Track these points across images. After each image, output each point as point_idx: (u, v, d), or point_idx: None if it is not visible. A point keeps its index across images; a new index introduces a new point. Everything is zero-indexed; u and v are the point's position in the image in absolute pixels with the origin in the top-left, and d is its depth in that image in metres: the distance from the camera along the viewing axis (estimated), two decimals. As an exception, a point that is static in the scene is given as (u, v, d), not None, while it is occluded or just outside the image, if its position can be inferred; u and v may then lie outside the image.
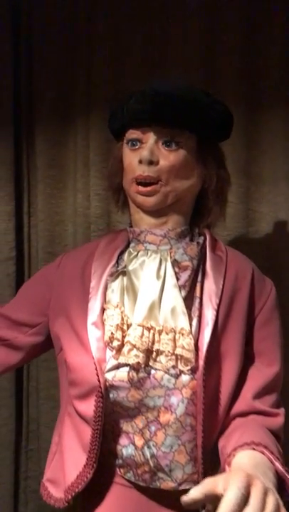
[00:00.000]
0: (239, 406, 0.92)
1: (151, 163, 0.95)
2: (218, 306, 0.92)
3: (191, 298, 0.94)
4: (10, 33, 1.57)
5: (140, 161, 0.95)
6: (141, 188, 0.96)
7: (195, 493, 0.62)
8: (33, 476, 1.66)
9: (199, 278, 0.96)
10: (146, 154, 0.94)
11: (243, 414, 0.91)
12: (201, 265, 0.98)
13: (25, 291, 1.09)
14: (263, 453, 0.76)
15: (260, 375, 0.94)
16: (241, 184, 1.55)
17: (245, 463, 0.72)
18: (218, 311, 0.92)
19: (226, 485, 0.61)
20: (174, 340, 0.89)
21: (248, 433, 0.83)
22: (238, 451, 0.77)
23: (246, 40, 1.52)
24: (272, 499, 0.61)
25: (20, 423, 1.66)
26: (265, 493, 0.61)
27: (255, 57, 1.53)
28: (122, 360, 0.88)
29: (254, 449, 0.76)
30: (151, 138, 0.96)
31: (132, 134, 0.98)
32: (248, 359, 0.96)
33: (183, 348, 0.87)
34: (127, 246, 1.03)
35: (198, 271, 0.97)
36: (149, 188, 0.96)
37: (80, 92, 1.58)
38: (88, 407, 0.90)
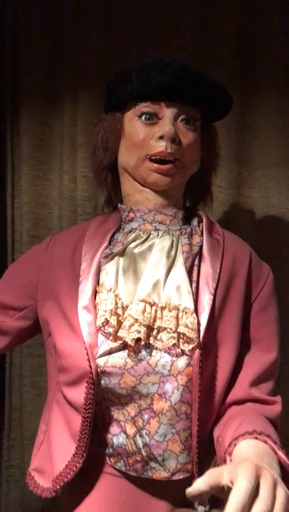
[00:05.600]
0: (235, 393, 0.89)
1: (174, 140, 0.91)
2: (215, 290, 0.89)
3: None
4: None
5: (162, 137, 0.90)
6: (160, 166, 0.91)
7: (200, 484, 0.59)
8: (15, 464, 1.62)
9: (196, 261, 0.93)
10: (171, 130, 0.90)
11: (240, 402, 0.89)
12: (198, 249, 0.95)
13: (12, 273, 1.04)
14: (265, 442, 0.73)
15: (257, 362, 0.91)
16: (233, 169, 1.52)
17: (248, 452, 0.70)
18: (215, 296, 0.89)
19: (233, 476, 0.59)
20: (177, 318, 0.85)
21: (247, 421, 0.80)
22: (240, 440, 0.74)
23: (241, 25, 1.49)
24: (281, 491, 0.58)
25: (2, 412, 1.61)
26: (274, 485, 0.59)
27: (249, 42, 1.50)
28: (122, 334, 0.84)
29: (257, 438, 0.74)
30: (170, 113, 0.92)
31: (147, 107, 0.92)
32: (244, 345, 0.93)
33: (186, 326, 0.84)
34: (120, 227, 0.98)
35: (196, 255, 0.94)
36: (168, 166, 0.92)
37: (67, 71, 1.51)
38: (78, 394, 0.87)
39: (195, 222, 1.00)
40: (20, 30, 1.53)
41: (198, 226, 0.99)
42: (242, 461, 0.61)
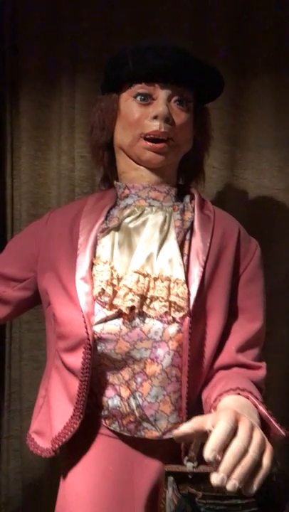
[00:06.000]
0: (223, 359, 0.95)
1: (167, 120, 0.95)
2: (205, 263, 0.94)
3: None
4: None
5: (155, 117, 0.95)
6: (154, 145, 0.96)
7: (185, 427, 0.65)
8: (15, 435, 1.68)
9: (187, 236, 0.98)
10: (165, 110, 0.94)
11: (227, 367, 0.95)
12: (190, 224, 1.00)
13: (13, 246, 1.10)
14: (247, 398, 0.79)
15: (243, 330, 0.97)
16: (226, 150, 1.56)
17: (231, 404, 0.76)
18: (204, 268, 0.94)
19: (215, 422, 0.64)
20: (169, 288, 0.91)
21: (232, 381, 0.86)
22: (224, 396, 0.80)
23: (235, 8, 1.52)
24: (258, 433, 0.65)
25: (3, 385, 1.67)
26: (251, 428, 0.64)
27: (243, 25, 1.53)
28: (116, 303, 0.90)
29: (239, 394, 0.80)
30: (164, 94, 0.96)
31: (142, 88, 0.97)
32: (232, 315, 0.99)
33: (177, 295, 0.90)
34: (115, 203, 1.03)
35: (187, 230, 0.99)
36: (161, 145, 0.97)
37: (65, 52, 1.54)
38: (76, 359, 0.92)
39: (187, 199, 1.05)
40: (18, 13, 1.55)
41: (191, 203, 1.04)
42: (224, 409, 0.67)
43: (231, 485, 0.60)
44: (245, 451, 0.62)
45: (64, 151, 1.56)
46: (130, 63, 0.96)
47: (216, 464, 0.61)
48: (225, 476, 0.60)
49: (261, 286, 1.02)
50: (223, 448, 0.62)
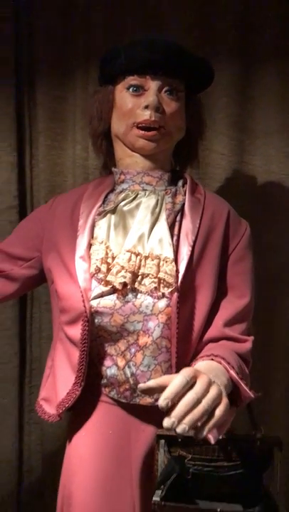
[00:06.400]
0: (211, 332, 1.02)
1: (157, 109, 1.02)
2: (194, 242, 1.01)
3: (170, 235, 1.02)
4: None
5: (146, 107, 1.02)
6: (146, 133, 1.03)
7: (150, 382, 0.73)
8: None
9: (178, 218, 1.05)
10: (155, 100, 1.01)
11: (215, 340, 1.01)
12: (181, 207, 1.06)
13: (21, 229, 1.19)
14: (220, 363, 0.86)
15: (231, 305, 1.04)
16: (234, 137, 1.61)
17: (200, 367, 0.83)
18: (193, 247, 1.01)
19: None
20: (158, 266, 0.98)
21: (211, 350, 0.93)
22: (199, 361, 0.87)
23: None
24: (214, 388, 0.71)
25: (24, 361, 1.78)
26: (208, 384, 0.71)
27: (250, 13, 1.56)
28: (110, 279, 0.97)
29: (212, 359, 0.86)
30: (154, 85, 1.03)
31: (134, 80, 1.04)
32: (221, 292, 1.05)
33: (166, 273, 0.97)
34: (113, 188, 1.11)
35: (178, 212, 1.05)
36: (152, 133, 1.04)
37: (79, 47, 1.62)
38: (76, 331, 1.01)
39: (180, 183, 1.11)
40: (34, 11, 1.63)
41: (183, 187, 1.10)
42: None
43: (181, 428, 0.68)
44: (198, 402, 0.69)
45: (78, 141, 1.64)
46: (123, 57, 1.03)
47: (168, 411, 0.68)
48: (176, 421, 0.68)
49: (250, 265, 1.07)
50: (177, 398, 0.69)
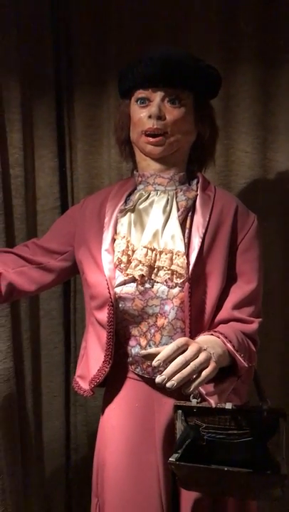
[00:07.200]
0: (221, 314, 1.14)
1: (159, 117, 1.15)
2: (204, 234, 1.13)
3: (182, 229, 1.15)
4: (49, 10, 1.77)
5: (150, 116, 1.15)
6: (151, 139, 1.17)
7: (151, 349, 0.87)
8: (80, 392, 1.96)
9: (190, 213, 1.17)
10: (156, 110, 1.14)
11: (224, 321, 1.13)
12: (192, 203, 1.18)
13: (56, 226, 1.36)
14: (218, 337, 0.98)
15: (240, 290, 1.15)
16: (258, 135, 1.70)
17: (198, 339, 0.95)
18: (203, 239, 1.13)
19: None
20: (171, 259, 1.11)
21: (217, 329, 1.05)
22: (200, 336, 0.99)
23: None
24: (204, 354, 0.84)
25: (69, 348, 1.95)
26: (198, 350, 0.84)
27: (272, 15, 1.64)
28: (129, 272, 1.12)
29: (212, 334, 0.99)
30: (158, 96, 1.16)
31: (141, 93, 1.18)
32: (231, 279, 1.17)
33: (178, 265, 1.10)
34: (135, 189, 1.24)
35: (190, 208, 1.17)
36: (157, 139, 1.16)
37: (112, 60, 1.76)
38: (104, 315, 1.16)
39: (194, 182, 1.23)
40: (71, 27, 1.79)
41: (196, 185, 1.22)
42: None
43: (170, 384, 0.81)
44: (186, 364, 0.82)
45: (113, 146, 1.77)
46: (130, 74, 1.17)
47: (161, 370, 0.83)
48: (166, 378, 0.81)
49: (257, 253, 1.18)
50: (168, 360, 0.82)
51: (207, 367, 0.86)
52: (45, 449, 1.92)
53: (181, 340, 0.85)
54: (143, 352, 0.88)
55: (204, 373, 0.85)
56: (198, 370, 0.85)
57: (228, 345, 0.97)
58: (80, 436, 1.97)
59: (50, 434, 1.92)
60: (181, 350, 0.85)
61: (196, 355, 0.85)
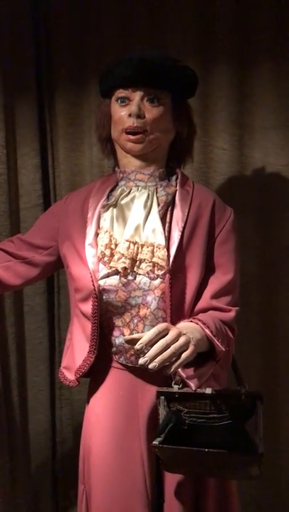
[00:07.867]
0: (200, 304, 1.20)
1: (139, 116, 1.19)
2: (184, 228, 1.19)
3: (162, 223, 1.20)
4: (29, 11, 1.80)
5: (130, 115, 1.19)
6: (131, 137, 1.21)
7: (134, 335, 0.91)
8: (65, 386, 1.98)
9: (170, 208, 1.22)
10: (135, 109, 1.19)
11: (204, 310, 1.19)
12: (172, 198, 1.23)
13: (40, 222, 1.40)
14: (197, 323, 1.03)
15: (217, 281, 1.21)
16: (235, 133, 1.75)
17: (178, 325, 1.01)
18: (183, 232, 1.18)
19: None
20: (152, 252, 1.16)
21: (196, 316, 1.10)
22: (180, 323, 1.05)
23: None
24: (183, 338, 0.89)
25: (54, 344, 1.99)
26: (178, 335, 0.89)
27: (246, 15, 1.70)
28: (112, 264, 1.16)
29: (191, 321, 1.04)
30: (137, 96, 1.20)
31: (121, 93, 1.22)
32: (209, 270, 1.22)
33: (158, 257, 1.16)
34: (116, 185, 1.29)
35: (170, 203, 1.22)
36: (137, 136, 1.21)
37: (92, 59, 1.80)
38: (88, 307, 1.20)
39: (173, 178, 1.28)
40: (51, 28, 1.83)
41: (175, 181, 1.27)
42: None
43: (152, 365, 0.87)
44: (167, 347, 0.87)
45: (94, 143, 1.81)
46: (110, 75, 1.22)
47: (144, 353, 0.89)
48: (148, 359, 0.86)
49: (233, 246, 1.24)
50: (150, 344, 0.87)
51: (186, 350, 0.92)
52: (31, 442, 1.95)
53: (162, 325, 0.91)
54: (127, 337, 0.93)
55: (184, 355, 0.91)
56: (178, 353, 0.91)
57: (207, 330, 1.03)
58: (66, 429, 2.01)
59: (36, 428, 1.95)
60: (162, 334, 0.91)
61: (176, 339, 0.91)
